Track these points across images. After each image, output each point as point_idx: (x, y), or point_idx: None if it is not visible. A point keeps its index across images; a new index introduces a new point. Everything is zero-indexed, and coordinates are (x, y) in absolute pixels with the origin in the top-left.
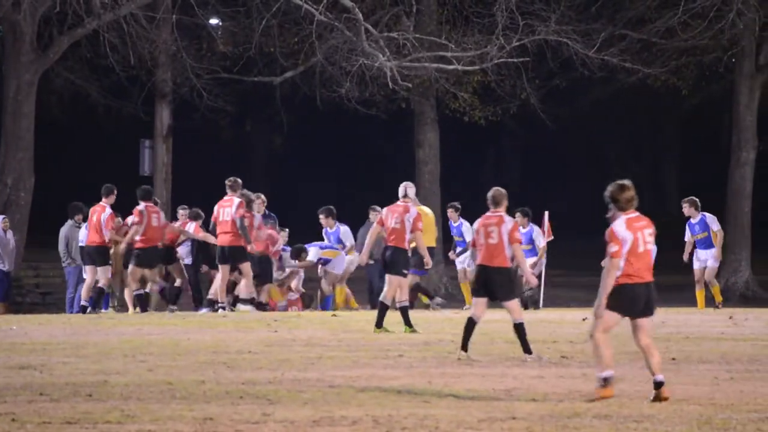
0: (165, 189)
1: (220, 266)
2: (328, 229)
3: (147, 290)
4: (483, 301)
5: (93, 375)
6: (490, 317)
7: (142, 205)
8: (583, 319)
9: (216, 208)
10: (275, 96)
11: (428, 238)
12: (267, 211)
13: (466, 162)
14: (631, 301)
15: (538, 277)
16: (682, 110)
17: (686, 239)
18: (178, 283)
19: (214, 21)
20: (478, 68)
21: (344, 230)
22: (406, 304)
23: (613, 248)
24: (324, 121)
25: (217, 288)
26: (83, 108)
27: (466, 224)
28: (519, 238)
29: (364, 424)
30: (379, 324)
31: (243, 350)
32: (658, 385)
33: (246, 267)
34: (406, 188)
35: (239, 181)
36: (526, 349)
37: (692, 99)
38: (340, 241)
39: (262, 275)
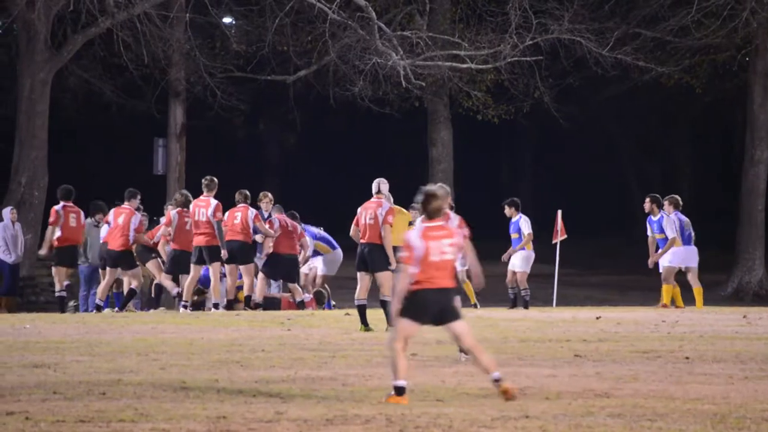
0: (178, 187)
1: (192, 266)
2: None
3: (131, 288)
4: None
5: (107, 373)
6: (504, 316)
7: (60, 205)
8: (597, 318)
9: (191, 206)
10: (288, 95)
11: (398, 237)
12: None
13: (480, 160)
14: (423, 308)
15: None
16: (695, 109)
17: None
18: (134, 285)
19: (227, 20)
20: (491, 67)
21: None
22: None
23: (403, 254)
24: (337, 119)
25: (185, 286)
26: (97, 107)
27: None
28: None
29: (378, 422)
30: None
31: (256, 349)
32: (497, 381)
33: (216, 267)
34: (380, 184)
35: (215, 180)
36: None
37: (705, 97)
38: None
39: (290, 275)
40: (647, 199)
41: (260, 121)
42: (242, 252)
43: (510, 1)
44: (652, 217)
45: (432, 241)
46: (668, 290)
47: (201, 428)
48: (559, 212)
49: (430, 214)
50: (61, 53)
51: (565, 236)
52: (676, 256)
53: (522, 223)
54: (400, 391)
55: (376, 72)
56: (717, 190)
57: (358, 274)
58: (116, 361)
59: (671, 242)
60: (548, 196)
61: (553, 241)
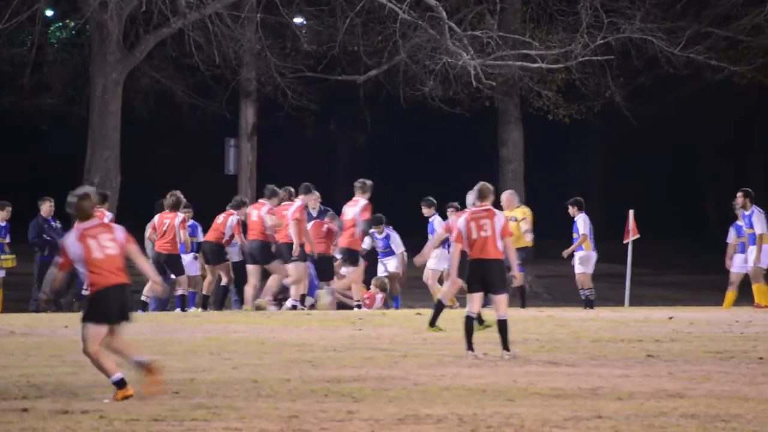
0: (249, 187)
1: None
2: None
3: None
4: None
5: (180, 372)
6: (576, 316)
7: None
8: (670, 318)
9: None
10: (359, 95)
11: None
12: (322, 207)
13: (550, 161)
14: (106, 308)
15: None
16: None
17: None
18: (224, 282)
19: (298, 20)
20: (562, 66)
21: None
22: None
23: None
24: (407, 119)
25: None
26: (168, 107)
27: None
28: (511, 232)
29: (449, 422)
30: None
31: (328, 348)
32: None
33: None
34: (506, 196)
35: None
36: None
37: None
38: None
39: (325, 273)
40: (739, 194)
41: (330, 121)
42: (262, 252)
43: (581, 0)
44: (744, 211)
45: (91, 240)
46: (760, 289)
47: (273, 427)
48: (631, 212)
49: (80, 214)
50: (134, 54)
51: (638, 236)
52: (765, 255)
53: (579, 223)
54: (120, 384)
55: (447, 72)
56: None
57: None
58: (189, 360)
59: (761, 239)
60: (620, 196)
61: (625, 241)
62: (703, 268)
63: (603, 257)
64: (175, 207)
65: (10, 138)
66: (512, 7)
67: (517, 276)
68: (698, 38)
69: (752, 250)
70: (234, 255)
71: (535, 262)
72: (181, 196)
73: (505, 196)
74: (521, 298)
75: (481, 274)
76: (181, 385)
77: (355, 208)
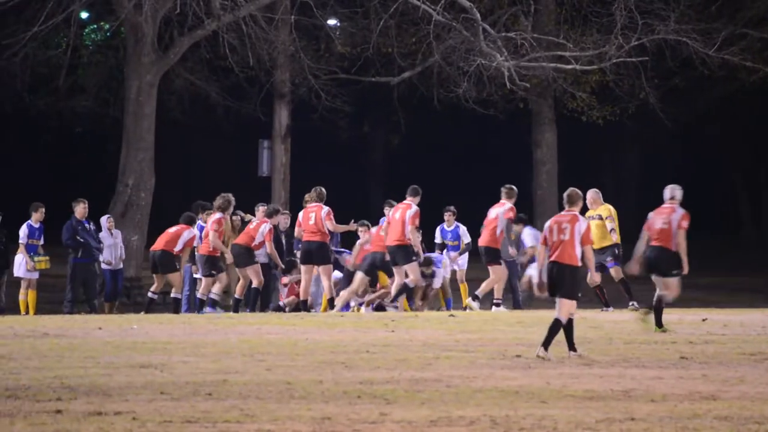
0: (283, 189)
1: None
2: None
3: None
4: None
5: (213, 374)
6: (609, 318)
7: None
8: (703, 320)
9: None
10: (393, 96)
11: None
12: None
13: (584, 162)
14: None
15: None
16: None
17: None
18: (255, 284)
19: (332, 22)
20: (596, 68)
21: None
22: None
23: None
24: (441, 121)
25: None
26: (203, 109)
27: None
28: (592, 240)
29: (482, 424)
30: (658, 324)
31: (361, 350)
32: None
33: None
34: (674, 190)
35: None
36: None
37: None
38: (458, 237)
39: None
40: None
41: (364, 122)
42: (320, 252)
43: (616, 1)
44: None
45: None
46: None
47: (306, 429)
48: None
49: None
50: (168, 56)
51: None
52: None
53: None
54: None
55: (481, 73)
56: None
57: (654, 277)
58: (222, 361)
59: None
60: (654, 198)
61: None
62: (738, 270)
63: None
64: (223, 209)
65: (46, 140)
66: (546, 9)
67: (597, 278)
68: (733, 39)
69: None
70: (261, 257)
71: None
72: (231, 197)
73: (590, 195)
74: (627, 293)
75: (552, 276)
76: (214, 387)
77: (500, 208)
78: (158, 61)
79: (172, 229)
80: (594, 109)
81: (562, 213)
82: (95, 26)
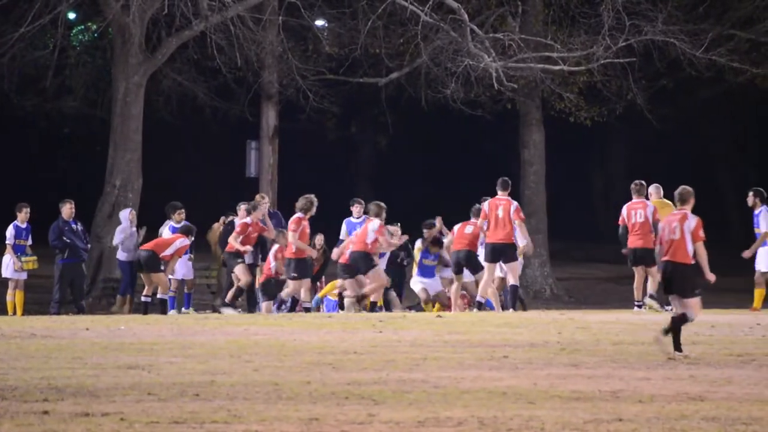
0: (271, 190)
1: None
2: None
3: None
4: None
5: (200, 375)
6: (597, 318)
7: None
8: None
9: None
10: (380, 97)
11: None
12: (271, 210)
13: (572, 163)
14: None
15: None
16: None
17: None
18: (241, 283)
19: (320, 22)
20: (584, 69)
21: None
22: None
23: None
24: (429, 122)
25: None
26: (190, 109)
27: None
28: (703, 236)
29: (470, 425)
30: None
31: (348, 351)
32: None
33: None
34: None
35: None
36: (677, 347)
37: None
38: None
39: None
40: (750, 193)
41: (352, 123)
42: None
43: (603, 2)
44: (755, 210)
45: None
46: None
47: (293, 430)
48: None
49: None
50: (155, 56)
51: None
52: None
53: (762, 217)
54: None
55: (468, 74)
56: None
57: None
58: (209, 362)
59: (763, 236)
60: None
61: None
62: (725, 271)
63: (624, 259)
64: (305, 210)
65: (33, 140)
66: (534, 10)
67: (711, 277)
68: (721, 40)
69: (761, 251)
70: (247, 258)
71: (557, 265)
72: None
73: (651, 189)
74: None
75: (667, 276)
76: (201, 388)
77: (646, 210)
78: (146, 62)
79: (167, 237)
80: (581, 110)
81: (674, 212)
82: (82, 27)
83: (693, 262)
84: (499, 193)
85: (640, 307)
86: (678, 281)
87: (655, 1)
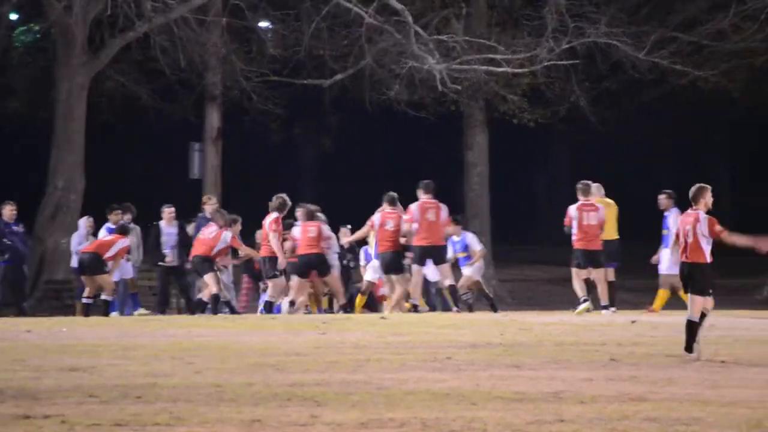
0: (215, 192)
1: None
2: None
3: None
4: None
5: (142, 377)
6: (539, 320)
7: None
8: (632, 322)
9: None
10: (324, 99)
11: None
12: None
13: (516, 164)
14: None
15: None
16: (732, 113)
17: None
18: (214, 290)
19: (264, 24)
20: (527, 71)
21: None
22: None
23: None
24: (373, 123)
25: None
26: (134, 111)
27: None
28: (720, 230)
29: (413, 426)
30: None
31: (291, 352)
32: None
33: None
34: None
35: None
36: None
37: (742, 102)
38: (467, 248)
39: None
40: (662, 195)
41: (296, 125)
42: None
43: (546, 4)
44: (665, 212)
45: None
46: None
47: (236, 431)
48: None
49: None
50: (99, 57)
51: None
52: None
53: (672, 219)
54: None
55: (412, 76)
56: (755, 195)
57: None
58: (151, 364)
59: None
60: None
61: None
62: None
63: (567, 261)
64: (279, 209)
65: None
66: (478, 12)
67: (765, 245)
68: (663, 43)
69: (665, 252)
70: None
71: (499, 266)
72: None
73: (593, 189)
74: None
75: (685, 276)
76: (143, 390)
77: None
78: (89, 63)
79: (107, 238)
80: (525, 111)
81: (688, 212)
82: (25, 28)
83: (709, 261)
84: (425, 196)
85: (606, 308)
86: (697, 281)
87: (599, 4)
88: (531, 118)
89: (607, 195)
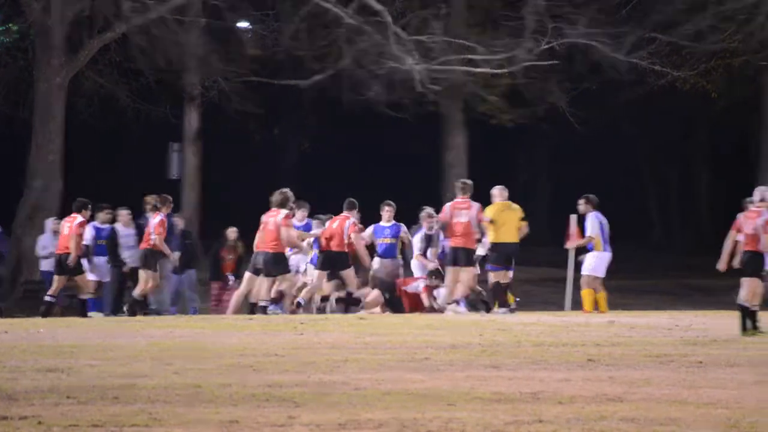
0: (193, 192)
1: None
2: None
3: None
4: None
5: (120, 378)
6: (518, 320)
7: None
8: (610, 322)
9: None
10: (304, 99)
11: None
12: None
13: (495, 165)
14: None
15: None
16: (711, 113)
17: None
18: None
19: (243, 24)
20: (506, 71)
21: None
22: (746, 305)
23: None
24: (353, 123)
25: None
26: (112, 111)
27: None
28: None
29: (390, 426)
30: (745, 327)
31: (269, 353)
32: None
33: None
34: (764, 192)
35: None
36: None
37: (721, 102)
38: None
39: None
40: (581, 200)
41: (275, 125)
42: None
43: (526, 5)
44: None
45: None
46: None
47: None
48: (573, 217)
49: None
50: (77, 58)
51: (581, 241)
52: (602, 264)
53: (589, 222)
54: None
55: (392, 76)
56: (733, 194)
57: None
58: (129, 365)
59: (587, 240)
60: (565, 201)
61: (566, 246)
62: (646, 273)
63: (546, 262)
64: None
65: None
66: (457, 12)
67: None
68: (642, 44)
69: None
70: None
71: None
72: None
73: (495, 191)
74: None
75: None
76: (121, 391)
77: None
78: (67, 64)
79: (66, 231)
80: (504, 112)
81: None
82: (4, 28)
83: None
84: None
85: (456, 303)
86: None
87: (578, 4)
88: (510, 118)
89: (585, 195)
